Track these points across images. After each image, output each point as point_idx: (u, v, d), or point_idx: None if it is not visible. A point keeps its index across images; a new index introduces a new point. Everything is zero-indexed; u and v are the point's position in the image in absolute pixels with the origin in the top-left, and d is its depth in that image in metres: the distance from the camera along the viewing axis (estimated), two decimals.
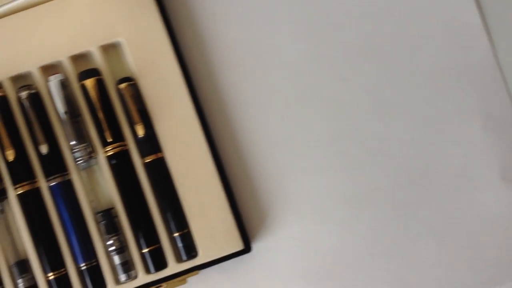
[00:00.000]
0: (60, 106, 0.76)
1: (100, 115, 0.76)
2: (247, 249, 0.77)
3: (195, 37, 0.82)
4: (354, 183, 0.81)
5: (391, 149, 0.81)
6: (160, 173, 0.77)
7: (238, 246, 0.77)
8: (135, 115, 0.77)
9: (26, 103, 0.76)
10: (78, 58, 0.79)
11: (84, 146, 0.76)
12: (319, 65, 0.82)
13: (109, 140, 0.76)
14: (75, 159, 0.77)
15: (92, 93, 0.76)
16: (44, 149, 0.76)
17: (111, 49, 0.79)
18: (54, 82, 0.76)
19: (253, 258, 0.79)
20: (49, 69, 0.78)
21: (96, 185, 0.79)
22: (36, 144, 0.76)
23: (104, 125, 0.76)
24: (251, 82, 0.81)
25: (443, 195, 0.81)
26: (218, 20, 0.82)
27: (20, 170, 0.76)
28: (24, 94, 0.76)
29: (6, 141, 0.75)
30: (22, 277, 0.76)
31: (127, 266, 0.77)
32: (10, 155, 0.75)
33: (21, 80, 0.78)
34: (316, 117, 0.81)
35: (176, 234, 0.77)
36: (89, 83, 0.76)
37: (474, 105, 0.81)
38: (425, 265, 0.80)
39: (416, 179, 0.81)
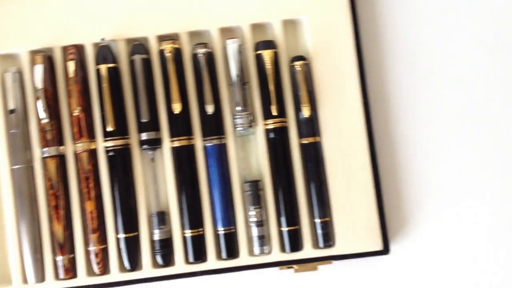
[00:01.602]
0: (234, 71, 0.77)
1: (271, 87, 0.76)
2: (385, 250, 0.76)
3: (376, 30, 0.81)
4: (504, 210, 0.79)
5: None
6: (314, 157, 0.77)
7: (377, 246, 0.76)
8: (304, 95, 0.77)
9: (201, 61, 0.76)
10: (256, 27, 0.79)
11: (247, 114, 0.77)
12: (494, 85, 0.80)
13: (274, 114, 0.76)
14: (235, 125, 0.77)
15: (268, 64, 0.77)
16: (209, 109, 0.76)
17: (290, 25, 0.79)
18: (232, 46, 0.77)
19: (387, 260, 0.78)
20: (226, 32, 0.79)
21: (248, 154, 0.79)
22: (202, 103, 0.77)
23: (273, 98, 0.76)
24: (421, 86, 0.80)
25: None
26: (402, 18, 0.81)
27: (181, 125, 0.77)
28: (201, 51, 0.77)
29: (175, 94, 0.76)
30: (159, 228, 0.77)
31: (263, 240, 0.77)
32: (177, 108, 0.76)
33: (197, 37, 0.79)
34: (480, 134, 0.80)
35: (317, 220, 0.77)
36: (267, 54, 0.77)
37: None
38: None
39: None
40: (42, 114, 0.75)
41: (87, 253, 0.77)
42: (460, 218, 0.79)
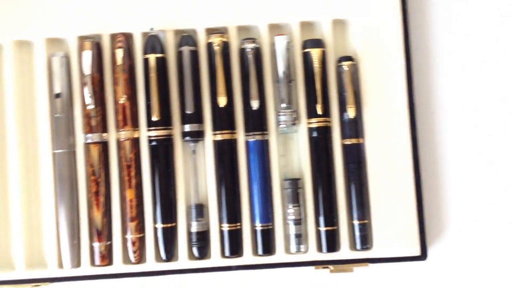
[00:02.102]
0: (281, 68, 0.76)
1: (317, 86, 0.76)
2: (422, 256, 0.76)
3: (425, 34, 0.80)
4: None
5: None
6: (356, 159, 0.77)
7: (415, 251, 0.76)
8: (350, 96, 0.76)
9: (249, 56, 0.76)
10: (305, 25, 0.79)
11: (291, 112, 0.76)
12: None
13: (319, 113, 0.76)
14: (278, 122, 0.77)
15: (315, 63, 0.76)
16: (254, 104, 0.76)
17: (339, 25, 0.79)
18: (281, 42, 0.77)
19: (424, 266, 0.78)
20: (275, 29, 0.79)
21: (289, 152, 0.79)
22: (246, 98, 0.77)
23: (318, 97, 0.76)
24: (469, 92, 0.80)
25: None
26: (453, 23, 0.81)
27: (225, 118, 0.77)
28: (249, 46, 0.76)
29: (221, 87, 0.76)
30: (197, 221, 0.77)
31: (300, 239, 0.77)
32: (222, 101, 0.76)
33: (245, 32, 0.79)
34: None
35: (356, 222, 0.77)
36: (315, 53, 0.76)
37: None
38: None
39: None
40: (88, 100, 0.75)
41: (124, 241, 0.77)
42: (502, 228, 0.78)
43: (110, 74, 0.77)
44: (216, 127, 0.77)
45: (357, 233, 0.76)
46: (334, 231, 0.77)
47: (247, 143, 0.77)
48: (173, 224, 0.77)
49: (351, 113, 0.76)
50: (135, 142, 0.77)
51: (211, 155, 0.77)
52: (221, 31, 0.77)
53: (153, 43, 0.76)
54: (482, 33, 0.81)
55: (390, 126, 0.76)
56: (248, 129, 0.77)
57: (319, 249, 0.77)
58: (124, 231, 0.77)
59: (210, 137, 0.77)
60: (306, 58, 0.77)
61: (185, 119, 0.77)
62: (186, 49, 0.76)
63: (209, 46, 0.77)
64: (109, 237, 0.77)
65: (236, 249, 0.77)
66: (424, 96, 0.80)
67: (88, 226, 0.77)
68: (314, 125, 0.77)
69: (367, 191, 0.77)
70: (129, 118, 0.76)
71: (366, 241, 0.76)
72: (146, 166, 0.77)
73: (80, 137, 0.77)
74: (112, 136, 0.77)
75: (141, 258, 0.77)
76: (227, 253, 0.76)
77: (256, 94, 0.76)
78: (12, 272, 0.77)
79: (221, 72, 0.76)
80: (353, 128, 0.77)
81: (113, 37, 0.77)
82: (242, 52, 0.77)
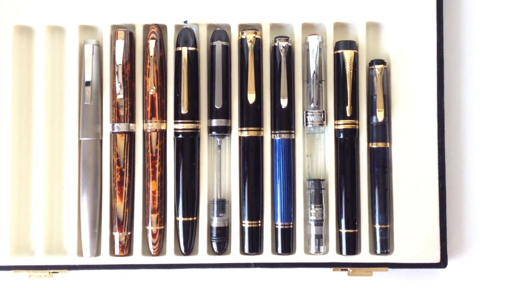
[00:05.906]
0: (312, 67, 0.76)
1: (348, 88, 0.76)
2: (443, 264, 0.76)
3: (459, 43, 0.80)
4: None
5: None
6: (382, 163, 0.77)
7: (435, 258, 0.76)
8: (380, 100, 0.76)
9: (281, 54, 0.76)
10: (338, 27, 0.79)
11: (320, 112, 0.77)
12: None
13: (348, 114, 0.76)
14: (306, 122, 0.77)
15: (347, 65, 0.76)
16: (284, 103, 0.76)
17: (372, 28, 0.79)
18: (313, 42, 0.77)
19: (444, 273, 0.78)
20: (308, 28, 0.79)
21: (314, 152, 0.79)
22: (275, 96, 0.77)
23: (348, 99, 0.76)
24: (500, 103, 0.79)
25: None
26: (489, 34, 0.80)
27: (253, 115, 0.77)
28: (282, 44, 0.76)
29: (251, 83, 0.76)
30: (218, 216, 0.77)
31: (321, 240, 0.77)
32: (251, 98, 0.76)
33: (277, 30, 0.79)
34: None
35: (377, 226, 0.77)
36: (347, 54, 0.76)
37: None
38: None
39: None
40: (118, 90, 0.75)
41: (145, 232, 0.77)
42: None
43: (141, 65, 0.77)
44: (243, 123, 0.77)
45: (378, 237, 0.76)
46: (355, 234, 0.77)
47: (273, 141, 0.77)
48: (194, 218, 0.77)
49: (379, 116, 0.76)
50: (162, 134, 0.77)
51: (236, 151, 0.77)
52: (254, 28, 0.77)
53: (186, 36, 0.76)
54: None
55: (418, 132, 0.76)
56: (275, 127, 0.77)
57: (339, 251, 0.77)
58: (145, 222, 0.77)
59: (236, 133, 0.77)
60: (338, 59, 0.77)
61: (212, 114, 0.77)
62: (218, 44, 0.76)
63: (242, 42, 0.77)
64: (130, 228, 0.77)
65: (255, 247, 0.77)
66: (454, 104, 0.79)
67: (110, 216, 0.77)
68: (342, 127, 0.77)
69: (390, 195, 0.77)
70: (157, 110, 0.76)
71: (386, 246, 0.76)
72: (171, 158, 0.77)
73: (107, 126, 0.77)
74: (139, 126, 0.77)
75: (160, 250, 0.77)
76: (246, 250, 0.76)
77: (285, 93, 0.76)
78: (31, 257, 0.77)
79: (252, 68, 0.76)
80: (381, 132, 0.77)
81: (146, 28, 0.77)
82: (274, 50, 0.77)
